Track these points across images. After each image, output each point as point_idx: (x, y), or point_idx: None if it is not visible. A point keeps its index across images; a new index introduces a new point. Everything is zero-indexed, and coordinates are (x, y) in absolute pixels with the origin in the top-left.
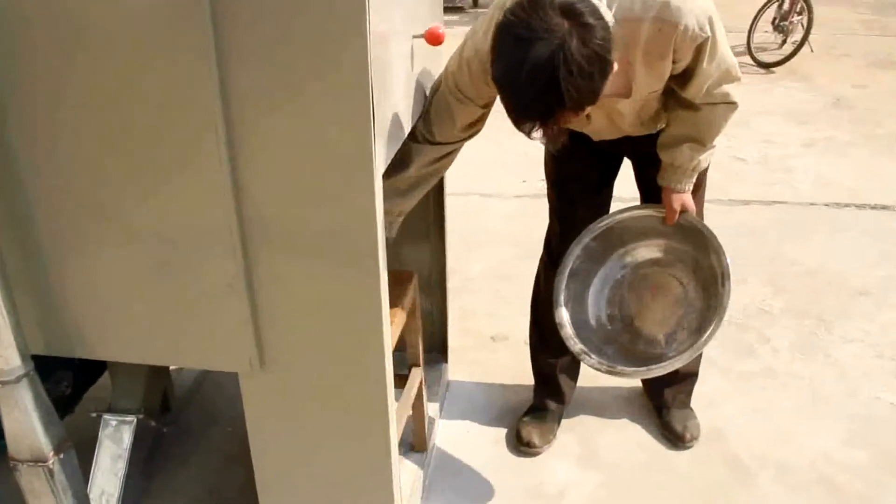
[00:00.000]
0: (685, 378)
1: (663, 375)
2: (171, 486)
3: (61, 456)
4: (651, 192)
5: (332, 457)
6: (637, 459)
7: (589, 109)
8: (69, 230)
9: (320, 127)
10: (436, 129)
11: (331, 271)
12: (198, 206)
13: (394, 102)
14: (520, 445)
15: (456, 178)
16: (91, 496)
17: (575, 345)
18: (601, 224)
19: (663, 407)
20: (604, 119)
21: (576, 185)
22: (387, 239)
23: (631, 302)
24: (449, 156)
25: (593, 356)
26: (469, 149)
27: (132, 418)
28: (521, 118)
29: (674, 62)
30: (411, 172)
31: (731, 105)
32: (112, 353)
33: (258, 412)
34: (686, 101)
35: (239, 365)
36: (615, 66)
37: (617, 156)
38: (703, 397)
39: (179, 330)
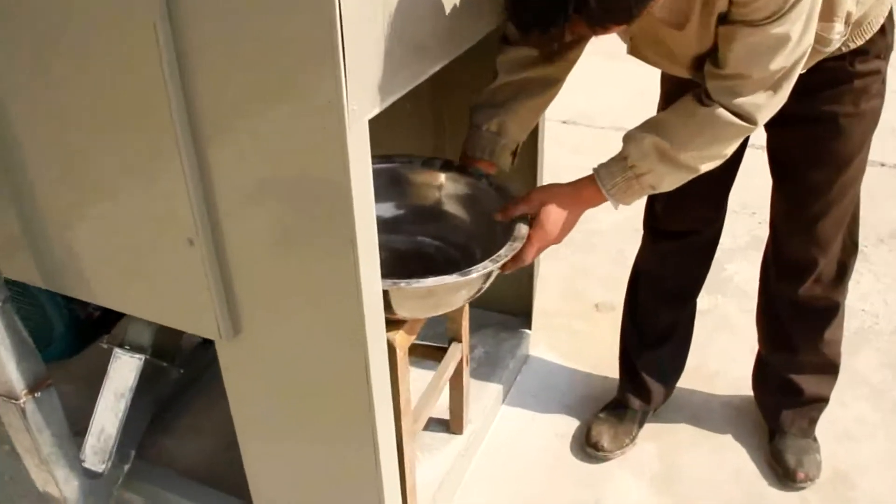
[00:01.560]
0: (811, 401)
1: (783, 394)
2: (183, 435)
3: (37, 395)
4: (787, 159)
5: (314, 432)
6: (729, 493)
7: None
8: (39, 177)
9: (285, 73)
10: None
11: (302, 226)
12: (151, 150)
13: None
14: (587, 446)
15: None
16: (90, 430)
17: None
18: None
19: (777, 431)
20: (651, 50)
21: None
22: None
23: None
24: (543, 64)
25: None
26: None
27: (140, 357)
28: (518, 15)
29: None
30: (500, 79)
31: (746, 126)
32: (81, 293)
33: (236, 382)
34: (708, 73)
35: (209, 331)
36: None
37: None
38: (836, 427)
39: (148, 285)
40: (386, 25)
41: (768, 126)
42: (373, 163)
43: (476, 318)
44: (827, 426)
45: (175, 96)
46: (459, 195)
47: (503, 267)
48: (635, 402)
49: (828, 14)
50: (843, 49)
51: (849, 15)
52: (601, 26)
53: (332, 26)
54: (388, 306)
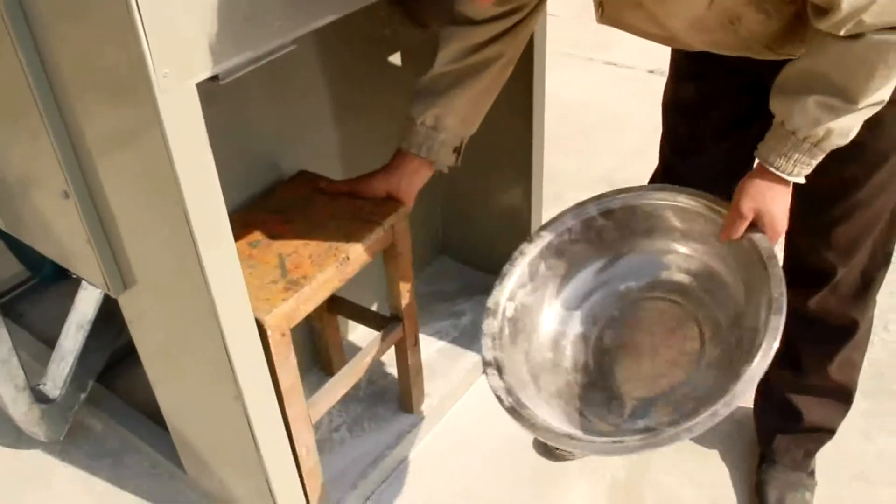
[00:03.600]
0: (811, 430)
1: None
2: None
3: None
4: None
5: (203, 400)
6: None
7: None
8: None
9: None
10: (466, 2)
11: (151, 188)
12: (15, 108)
13: None
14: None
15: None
16: (52, 357)
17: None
18: (621, 197)
19: (767, 458)
20: (630, 13)
21: (692, 110)
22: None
23: (622, 333)
24: (498, 41)
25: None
26: None
27: (100, 293)
28: None
29: None
30: (438, 65)
31: None
32: (21, 234)
33: (138, 334)
34: (826, 28)
35: (99, 284)
36: None
37: (763, 95)
38: (851, 464)
39: (53, 233)
40: None
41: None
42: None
43: (475, 283)
44: (839, 461)
45: (25, 53)
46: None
47: None
48: None
49: None
50: None
51: None
52: None
53: None
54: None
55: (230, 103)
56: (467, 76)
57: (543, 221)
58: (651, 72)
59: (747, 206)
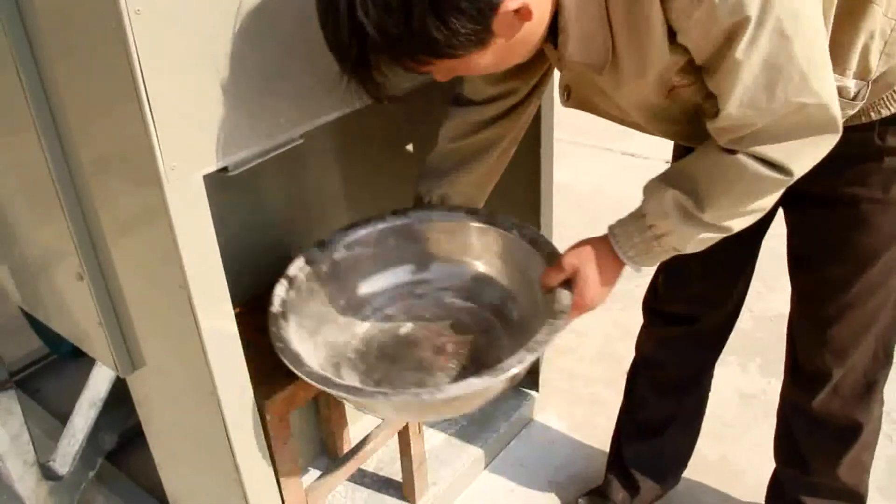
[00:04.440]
0: (833, 492)
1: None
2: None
3: None
4: (802, 248)
5: (207, 483)
6: None
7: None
8: None
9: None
10: (465, 82)
11: (159, 274)
12: (35, 192)
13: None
14: None
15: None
16: (63, 434)
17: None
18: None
19: None
20: (599, 98)
21: None
22: None
23: (419, 331)
24: (498, 123)
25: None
26: None
27: (113, 373)
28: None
29: (675, 37)
30: (442, 144)
31: (781, 178)
32: (39, 314)
33: (146, 415)
34: (714, 131)
35: (109, 364)
36: (509, 2)
37: None
38: None
39: (66, 313)
40: (213, 86)
41: (782, 205)
42: (384, 219)
43: None
44: None
45: (46, 138)
46: (489, 249)
47: None
48: (618, 495)
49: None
50: (873, 115)
51: (865, 69)
52: (407, 58)
53: (133, 81)
54: (406, 415)
55: (241, 191)
56: (471, 158)
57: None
58: (668, 162)
59: (570, 262)
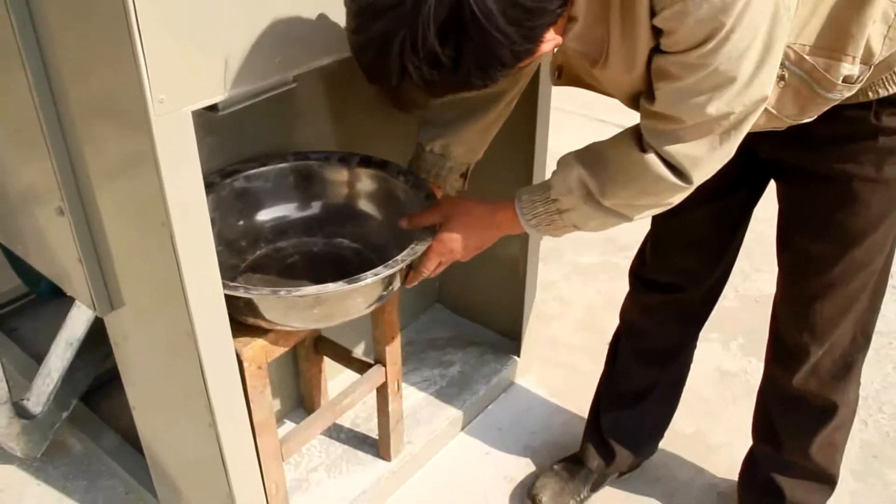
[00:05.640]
0: (804, 471)
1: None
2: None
3: None
4: (790, 223)
5: (180, 430)
6: None
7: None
8: None
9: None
10: None
11: (141, 211)
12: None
13: None
14: (526, 497)
15: None
16: (39, 373)
17: None
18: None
19: None
20: (590, 78)
21: None
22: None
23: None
24: None
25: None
26: None
27: (91, 314)
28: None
29: (658, 33)
30: None
31: (678, 183)
32: (15, 247)
33: (121, 356)
34: (642, 108)
35: (86, 302)
36: (544, 45)
37: (755, 162)
38: None
39: (45, 247)
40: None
41: (776, 179)
42: (285, 160)
43: (468, 334)
44: None
45: (33, 71)
46: (377, 194)
47: (406, 279)
48: (594, 462)
49: (835, 48)
50: (871, 95)
51: (869, 53)
52: (436, 96)
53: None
54: (272, 316)
55: (228, 134)
56: (474, 108)
57: (539, 277)
58: None
59: (445, 207)
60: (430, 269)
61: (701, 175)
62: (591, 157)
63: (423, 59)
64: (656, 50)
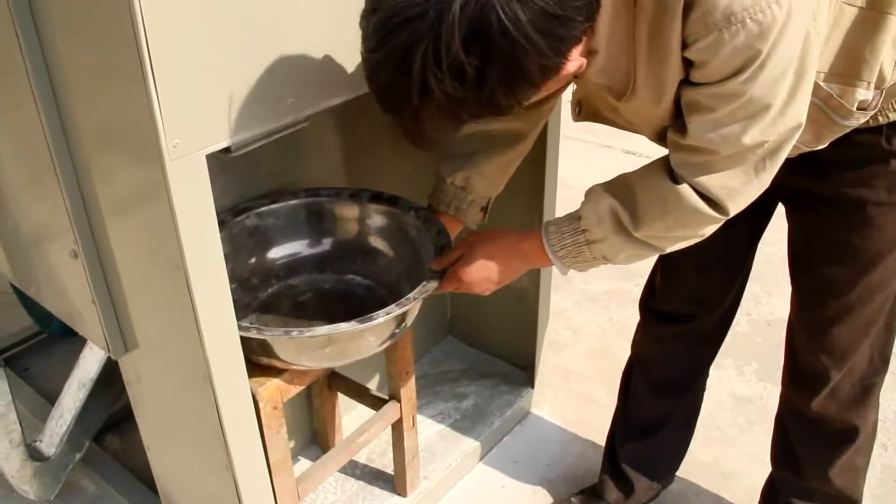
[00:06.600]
0: (826, 497)
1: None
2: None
3: None
4: (803, 249)
5: (197, 467)
6: None
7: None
8: None
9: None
10: None
11: (158, 254)
12: (34, 167)
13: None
14: None
15: None
16: (52, 414)
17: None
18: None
19: None
20: (611, 113)
21: None
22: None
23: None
24: (523, 112)
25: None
26: None
27: (105, 354)
28: (374, 94)
29: (688, 62)
30: (465, 127)
31: (714, 215)
32: (29, 290)
33: (136, 397)
34: (671, 142)
35: (100, 344)
36: (570, 64)
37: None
38: None
39: (59, 291)
40: (221, 61)
41: (785, 204)
42: (296, 197)
43: (481, 365)
44: None
45: (46, 111)
46: (388, 229)
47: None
48: (612, 495)
49: (849, 74)
50: (881, 119)
51: (881, 78)
52: (458, 119)
53: (139, 54)
54: (286, 356)
55: (241, 172)
56: (495, 145)
57: (551, 306)
58: None
59: (472, 238)
60: (447, 290)
61: (737, 206)
62: (621, 189)
63: (446, 71)
64: (686, 82)
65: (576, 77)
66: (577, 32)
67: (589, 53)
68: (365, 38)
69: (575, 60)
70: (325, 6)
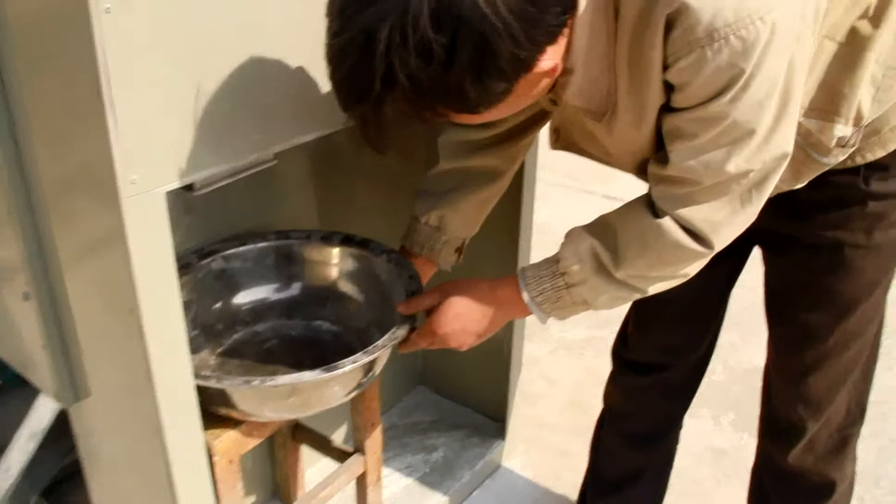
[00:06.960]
0: (801, 486)
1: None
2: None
3: None
4: (780, 294)
5: None
6: None
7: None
8: None
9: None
10: None
11: (113, 300)
12: None
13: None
14: None
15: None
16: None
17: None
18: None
19: None
20: (587, 143)
21: None
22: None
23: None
24: (496, 146)
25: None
26: None
27: (58, 404)
28: (334, 87)
29: (669, 86)
30: (442, 164)
31: (698, 250)
32: None
33: (84, 446)
34: (651, 174)
35: (50, 391)
36: (543, 62)
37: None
38: None
39: (7, 333)
40: (182, 96)
41: (762, 247)
42: (265, 239)
43: (452, 416)
44: None
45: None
46: (359, 274)
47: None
48: None
49: (828, 109)
50: (858, 160)
51: (859, 115)
52: (428, 110)
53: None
54: (246, 406)
55: (207, 212)
56: (470, 182)
57: (526, 355)
58: None
59: (446, 287)
60: (415, 349)
61: (721, 240)
62: (602, 228)
63: (412, 50)
64: (667, 109)
65: (554, 103)
66: (553, 22)
67: (565, 73)
68: (328, 21)
69: (549, 60)
70: (294, 36)
